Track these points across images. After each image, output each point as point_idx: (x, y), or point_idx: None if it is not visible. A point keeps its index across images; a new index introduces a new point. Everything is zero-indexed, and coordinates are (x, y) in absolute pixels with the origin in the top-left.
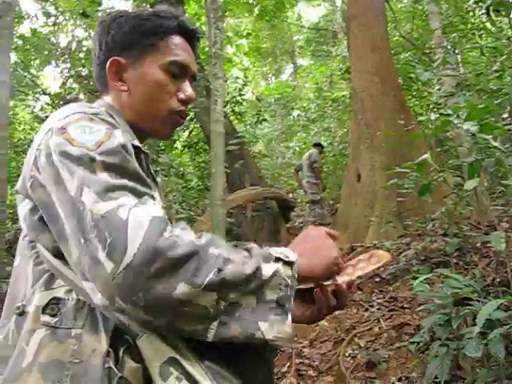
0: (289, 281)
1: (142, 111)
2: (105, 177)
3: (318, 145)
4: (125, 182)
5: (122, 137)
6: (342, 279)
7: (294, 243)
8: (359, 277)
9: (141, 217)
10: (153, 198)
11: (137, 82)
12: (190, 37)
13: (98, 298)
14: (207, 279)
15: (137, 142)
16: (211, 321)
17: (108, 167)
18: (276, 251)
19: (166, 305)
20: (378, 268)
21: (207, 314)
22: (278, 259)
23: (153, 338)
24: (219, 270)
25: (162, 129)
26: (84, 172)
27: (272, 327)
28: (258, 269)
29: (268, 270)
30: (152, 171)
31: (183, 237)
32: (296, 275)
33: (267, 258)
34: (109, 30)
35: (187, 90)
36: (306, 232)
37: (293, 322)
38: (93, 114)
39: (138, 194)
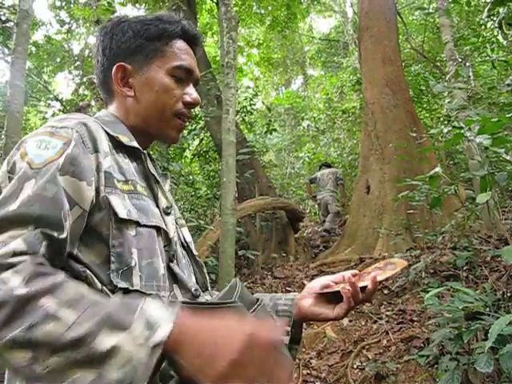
0: (138, 364)
1: (149, 116)
2: (11, 207)
3: (328, 165)
4: (27, 213)
5: (70, 153)
6: (365, 283)
7: (208, 318)
8: (380, 282)
9: None
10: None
11: (143, 87)
12: (192, 41)
13: None
14: (11, 334)
15: (135, 144)
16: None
17: (25, 199)
18: (151, 315)
19: None
20: (393, 275)
21: (26, 371)
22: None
23: None
24: (30, 326)
25: (170, 132)
26: (6, 190)
27: None
28: (90, 336)
29: (106, 342)
30: (154, 171)
31: (8, 282)
32: (155, 360)
33: (118, 324)
34: (112, 35)
35: (193, 93)
36: (238, 318)
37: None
38: (60, 127)
39: (15, 236)
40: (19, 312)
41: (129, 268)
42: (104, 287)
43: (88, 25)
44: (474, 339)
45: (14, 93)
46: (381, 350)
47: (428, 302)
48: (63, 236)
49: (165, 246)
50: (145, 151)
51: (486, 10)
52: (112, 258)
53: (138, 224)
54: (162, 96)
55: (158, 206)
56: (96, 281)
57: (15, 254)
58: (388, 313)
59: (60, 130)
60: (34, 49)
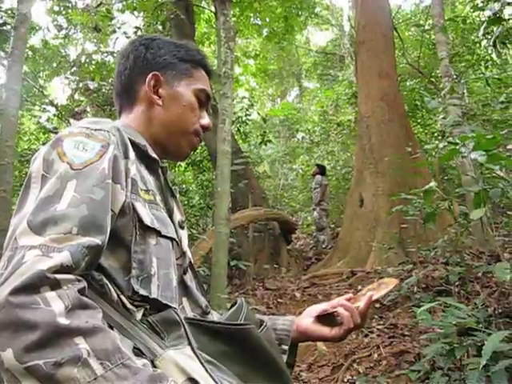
0: None
1: (173, 127)
2: (61, 206)
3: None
4: (69, 222)
5: (109, 158)
6: (361, 304)
7: None
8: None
9: (28, 266)
10: (90, 245)
11: (172, 99)
12: (209, 75)
13: None
14: (35, 362)
15: (155, 155)
16: None
17: (71, 201)
18: None
19: None
20: (387, 293)
21: None
22: None
23: (172, 360)
24: (57, 362)
25: (185, 148)
26: (46, 191)
27: None
28: None
29: None
30: (170, 184)
31: (50, 304)
32: None
33: None
34: (147, 48)
35: (207, 119)
36: None
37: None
38: (95, 129)
39: (65, 240)
40: (52, 342)
41: (148, 276)
42: (121, 295)
43: (86, 30)
44: (466, 355)
45: (10, 96)
46: (372, 364)
47: (420, 316)
48: (104, 242)
49: (177, 259)
50: (165, 165)
51: (481, 28)
52: (133, 264)
53: (158, 233)
54: (187, 111)
55: (172, 220)
56: (112, 290)
57: (62, 268)
58: (379, 327)
59: (95, 132)
60: (30, 53)
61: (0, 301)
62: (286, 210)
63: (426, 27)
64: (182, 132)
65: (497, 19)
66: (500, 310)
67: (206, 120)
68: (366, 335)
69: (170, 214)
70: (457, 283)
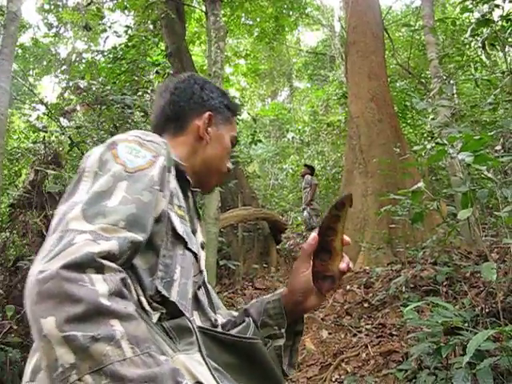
0: None
1: (212, 164)
2: (112, 202)
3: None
4: (118, 216)
5: (160, 167)
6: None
7: None
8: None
9: (78, 248)
10: (132, 243)
11: (216, 139)
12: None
13: None
14: (74, 332)
15: (189, 178)
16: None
17: (123, 199)
18: None
19: (32, 325)
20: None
21: (54, 374)
22: None
23: (182, 363)
24: (94, 337)
25: (213, 183)
26: (100, 185)
27: None
28: (131, 382)
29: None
30: (197, 207)
31: (94, 284)
32: None
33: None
34: (202, 88)
35: (230, 163)
36: None
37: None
38: (147, 140)
39: (113, 231)
40: (92, 318)
41: (171, 280)
42: (141, 297)
43: (76, 29)
44: (453, 354)
45: None
46: (360, 364)
47: (407, 316)
48: (145, 241)
49: (194, 276)
50: (197, 190)
51: (469, 29)
52: (160, 267)
53: (185, 245)
54: (224, 153)
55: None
56: (133, 290)
57: (108, 255)
58: (368, 326)
59: (147, 142)
60: (20, 51)
61: (51, 272)
62: (275, 209)
63: (416, 28)
64: (216, 170)
65: (486, 21)
66: (487, 310)
67: (229, 164)
68: (355, 335)
69: (194, 234)
70: (445, 283)
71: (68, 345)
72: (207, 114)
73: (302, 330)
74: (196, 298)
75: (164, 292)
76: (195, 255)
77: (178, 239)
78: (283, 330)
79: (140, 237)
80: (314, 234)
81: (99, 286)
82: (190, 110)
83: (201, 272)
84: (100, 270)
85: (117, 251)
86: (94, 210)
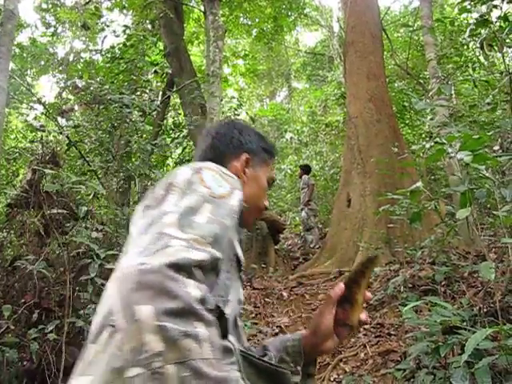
0: None
1: (250, 203)
2: (200, 219)
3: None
4: (204, 235)
5: (238, 199)
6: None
7: None
8: None
9: (175, 251)
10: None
11: (253, 179)
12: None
13: None
14: (168, 324)
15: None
16: (134, 366)
17: (209, 219)
18: None
19: (120, 309)
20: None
21: (142, 360)
22: None
23: None
24: (185, 332)
25: (251, 220)
26: (189, 202)
27: None
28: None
29: None
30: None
31: (187, 287)
32: None
33: None
34: (241, 132)
35: (267, 201)
36: None
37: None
38: (224, 173)
39: (203, 244)
40: (184, 316)
41: (226, 300)
42: None
43: (74, 28)
44: (451, 353)
45: None
46: (358, 363)
47: (406, 315)
48: (222, 259)
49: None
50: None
51: (468, 30)
52: (220, 285)
53: (239, 271)
54: (261, 193)
55: None
56: None
57: (200, 265)
58: (366, 326)
59: (225, 175)
60: (17, 50)
61: (153, 266)
62: (274, 209)
63: (415, 28)
64: (254, 208)
65: (484, 21)
66: (485, 309)
67: (266, 202)
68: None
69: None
70: (443, 283)
71: (160, 334)
72: (244, 156)
73: (315, 374)
74: (235, 322)
75: (223, 308)
76: (242, 283)
77: (238, 265)
78: (299, 368)
79: (219, 255)
80: (341, 285)
81: (191, 289)
82: (229, 154)
83: (241, 302)
84: (192, 276)
85: (207, 263)
86: (186, 222)
